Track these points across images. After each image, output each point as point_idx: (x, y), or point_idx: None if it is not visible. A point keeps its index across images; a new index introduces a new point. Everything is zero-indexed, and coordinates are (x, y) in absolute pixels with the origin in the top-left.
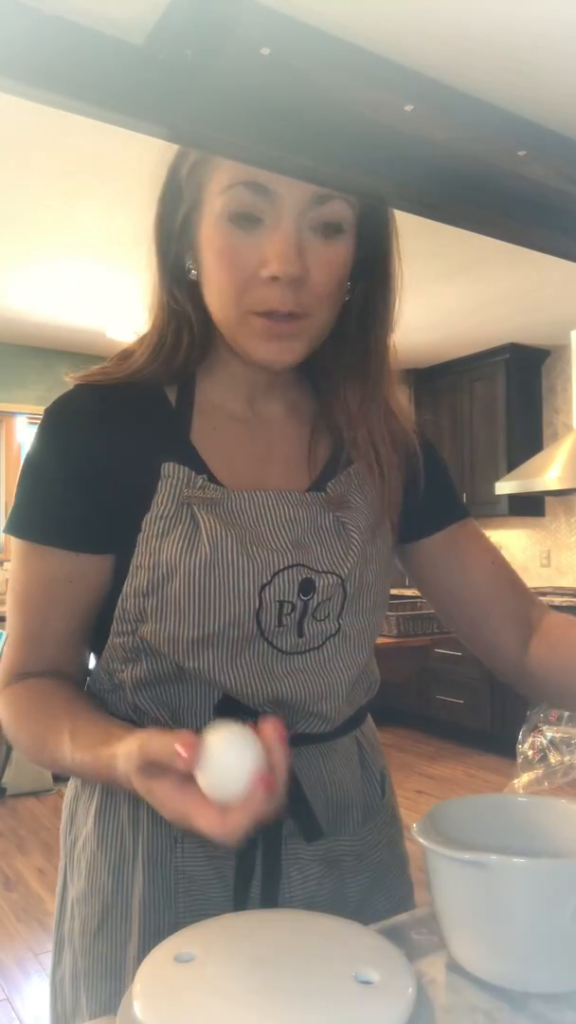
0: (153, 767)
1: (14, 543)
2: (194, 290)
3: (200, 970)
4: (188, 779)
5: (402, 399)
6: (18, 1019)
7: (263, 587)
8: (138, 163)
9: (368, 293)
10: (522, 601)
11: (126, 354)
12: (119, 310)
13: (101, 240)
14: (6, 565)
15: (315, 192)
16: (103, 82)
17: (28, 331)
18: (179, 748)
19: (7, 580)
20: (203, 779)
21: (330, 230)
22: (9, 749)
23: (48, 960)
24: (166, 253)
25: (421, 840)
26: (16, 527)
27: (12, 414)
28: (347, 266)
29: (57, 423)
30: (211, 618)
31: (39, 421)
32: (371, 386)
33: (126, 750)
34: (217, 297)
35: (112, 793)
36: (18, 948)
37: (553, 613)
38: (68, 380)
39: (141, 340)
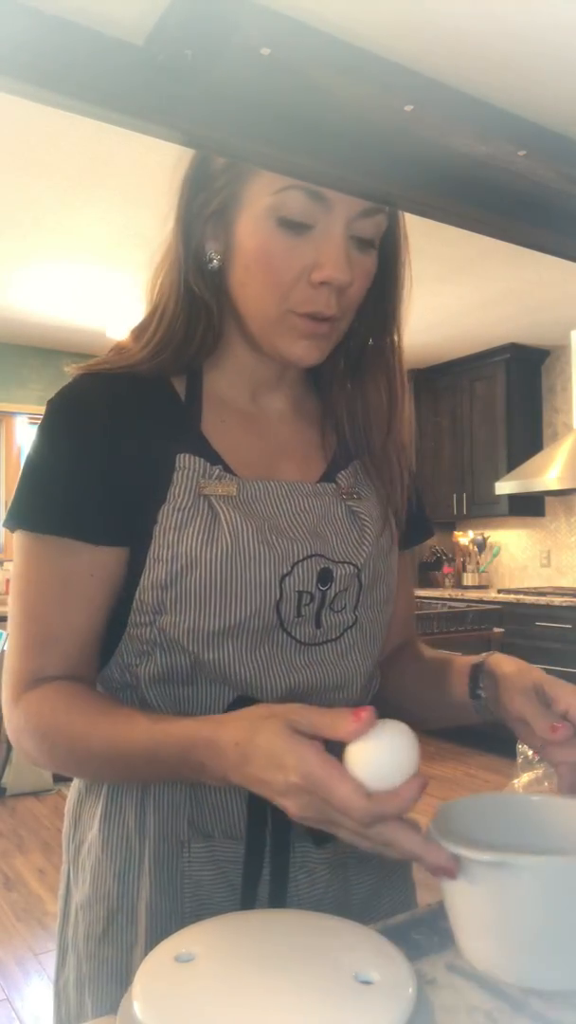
0: (301, 729)
1: (24, 540)
2: (216, 279)
3: (200, 970)
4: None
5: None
6: (18, 1019)
7: (283, 577)
8: (138, 163)
9: (379, 298)
10: (406, 634)
11: (122, 347)
12: (119, 310)
13: (101, 240)
14: (7, 565)
15: (365, 205)
16: (103, 82)
17: (28, 331)
18: (355, 714)
19: (7, 580)
20: (365, 757)
21: (366, 243)
22: (9, 749)
23: (48, 960)
24: (188, 239)
25: (441, 842)
26: (29, 521)
27: (12, 414)
28: (374, 275)
29: (66, 412)
30: (232, 609)
31: (42, 416)
32: (397, 388)
33: (262, 709)
34: (257, 293)
35: (118, 798)
36: (18, 948)
37: (418, 643)
38: (68, 372)
39: (142, 331)
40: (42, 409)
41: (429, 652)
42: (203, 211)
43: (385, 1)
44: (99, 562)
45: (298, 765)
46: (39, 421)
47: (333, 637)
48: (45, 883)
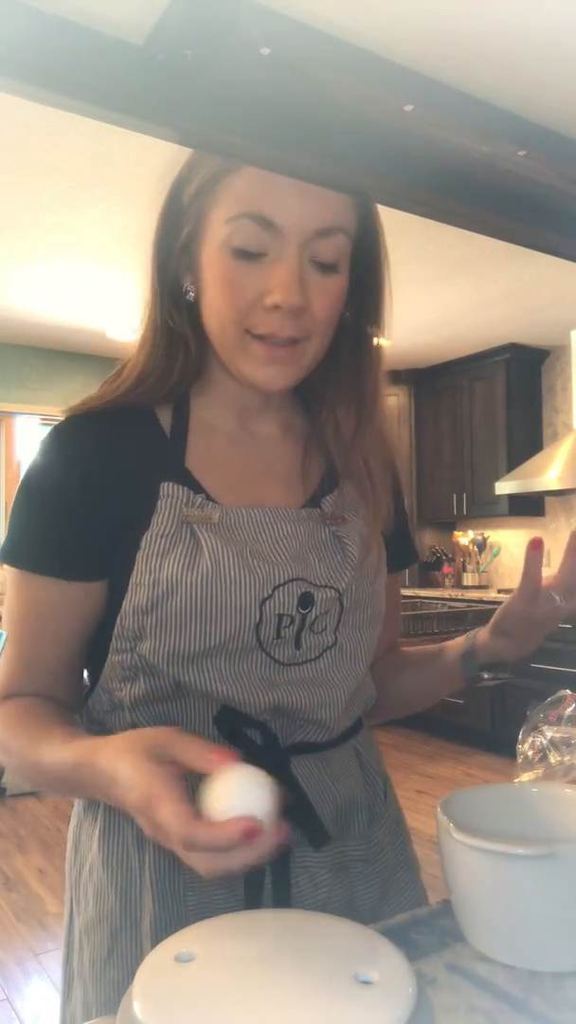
0: (162, 753)
1: (9, 571)
2: (191, 311)
3: (200, 970)
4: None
5: (389, 423)
6: (18, 1019)
7: (263, 601)
8: (138, 163)
9: (359, 318)
10: (395, 633)
11: (114, 377)
12: (119, 310)
13: (101, 240)
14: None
15: (318, 227)
16: (103, 82)
17: (28, 331)
18: (214, 753)
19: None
20: (213, 790)
21: (327, 266)
22: None
23: (48, 960)
24: (164, 273)
25: (455, 835)
26: (10, 556)
27: (12, 414)
28: (343, 296)
29: (52, 451)
30: (212, 632)
31: (40, 417)
32: (367, 409)
33: (134, 735)
34: (217, 320)
35: (116, 814)
36: (18, 948)
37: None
38: (61, 415)
39: (127, 363)
40: (42, 409)
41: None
42: (174, 244)
43: (385, 1)
44: (69, 597)
45: (140, 784)
46: (45, 422)
47: (312, 657)
48: (45, 883)
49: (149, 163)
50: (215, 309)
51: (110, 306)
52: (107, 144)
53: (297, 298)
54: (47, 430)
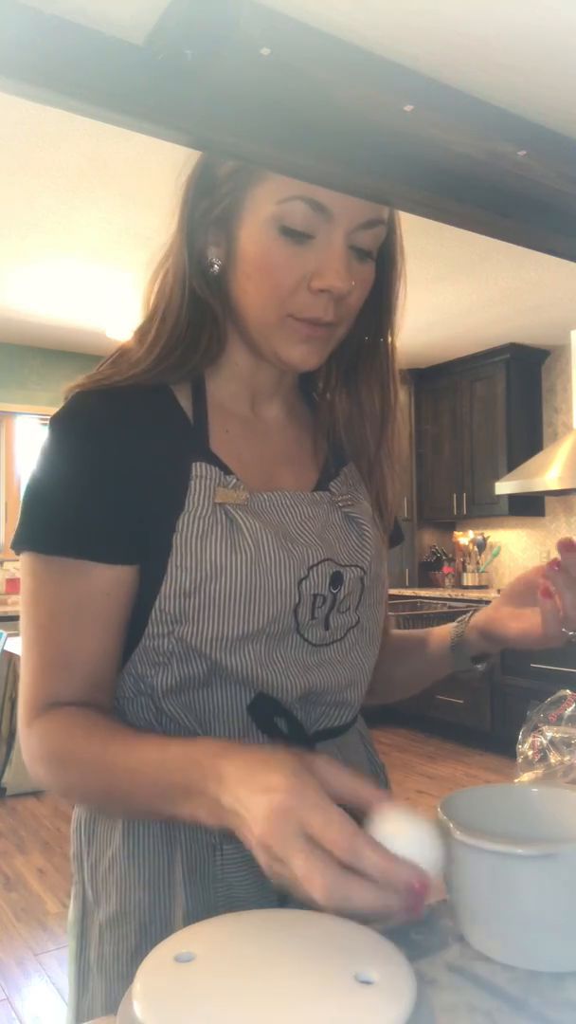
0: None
1: (33, 562)
2: (216, 284)
3: (200, 970)
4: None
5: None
6: (18, 1019)
7: (300, 581)
8: (138, 163)
9: (375, 305)
10: (387, 623)
11: (119, 356)
12: (119, 310)
13: (101, 240)
14: (7, 564)
15: (367, 217)
16: (103, 82)
17: (28, 331)
18: (368, 790)
19: (7, 581)
20: (393, 822)
21: (364, 253)
22: (9, 749)
23: (48, 960)
24: (192, 244)
25: (455, 835)
26: (39, 543)
27: (12, 414)
28: (371, 285)
29: (73, 430)
30: (254, 615)
31: (47, 435)
32: (391, 397)
33: (275, 750)
34: (258, 299)
35: None
36: (18, 948)
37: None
38: (65, 390)
39: (143, 335)
40: (42, 409)
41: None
42: (206, 217)
43: (385, 1)
44: (114, 581)
45: (291, 784)
46: (44, 421)
47: (339, 637)
48: (45, 883)
49: (149, 163)
50: (257, 287)
51: (110, 306)
52: (107, 144)
53: (347, 283)
54: (46, 429)
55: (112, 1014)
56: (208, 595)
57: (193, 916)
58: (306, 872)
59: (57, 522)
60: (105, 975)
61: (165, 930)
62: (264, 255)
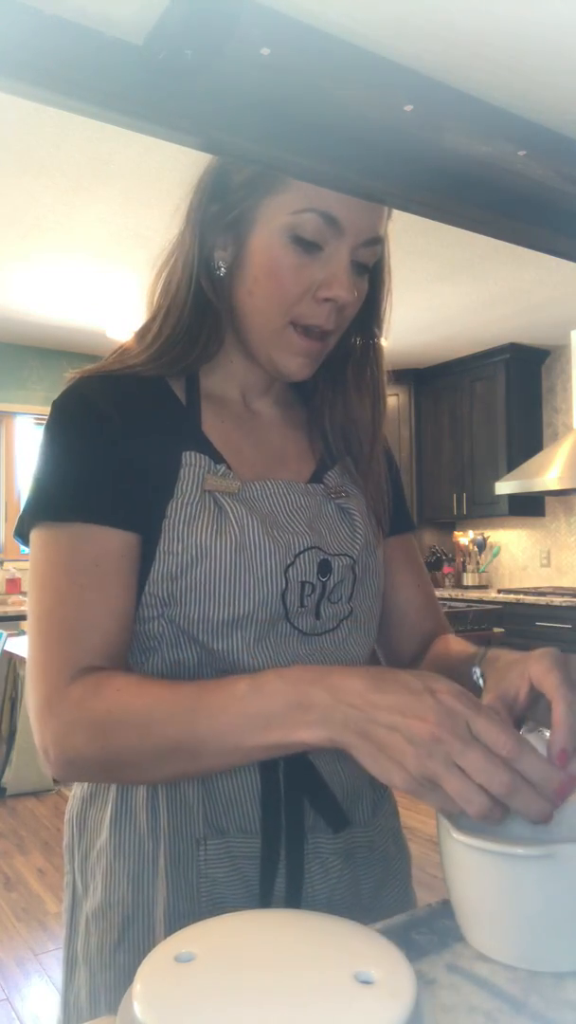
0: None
1: (46, 534)
2: (221, 287)
3: (200, 970)
4: None
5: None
6: (18, 1019)
7: (287, 567)
8: (138, 164)
9: (365, 311)
10: (431, 624)
11: (122, 352)
12: (119, 310)
13: (101, 240)
14: (7, 564)
15: (372, 235)
16: (103, 82)
17: (28, 331)
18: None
19: (8, 581)
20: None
21: (363, 268)
22: (9, 749)
23: (48, 960)
24: (202, 244)
25: (455, 835)
26: (52, 512)
27: (12, 414)
28: (364, 298)
29: (75, 409)
30: (240, 600)
31: (49, 416)
32: (382, 398)
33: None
34: (263, 304)
35: (128, 800)
36: (18, 948)
37: (448, 635)
38: (68, 376)
39: (146, 331)
40: (42, 409)
41: (455, 646)
42: (217, 221)
43: (385, 1)
44: (127, 544)
45: (450, 686)
46: (43, 422)
47: (331, 627)
48: (45, 883)
49: (150, 164)
50: (264, 292)
51: (110, 306)
52: (107, 144)
53: (351, 294)
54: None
55: (97, 1007)
56: (194, 578)
57: (175, 910)
58: (476, 763)
59: (67, 490)
60: (90, 965)
61: (147, 923)
62: (274, 262)
